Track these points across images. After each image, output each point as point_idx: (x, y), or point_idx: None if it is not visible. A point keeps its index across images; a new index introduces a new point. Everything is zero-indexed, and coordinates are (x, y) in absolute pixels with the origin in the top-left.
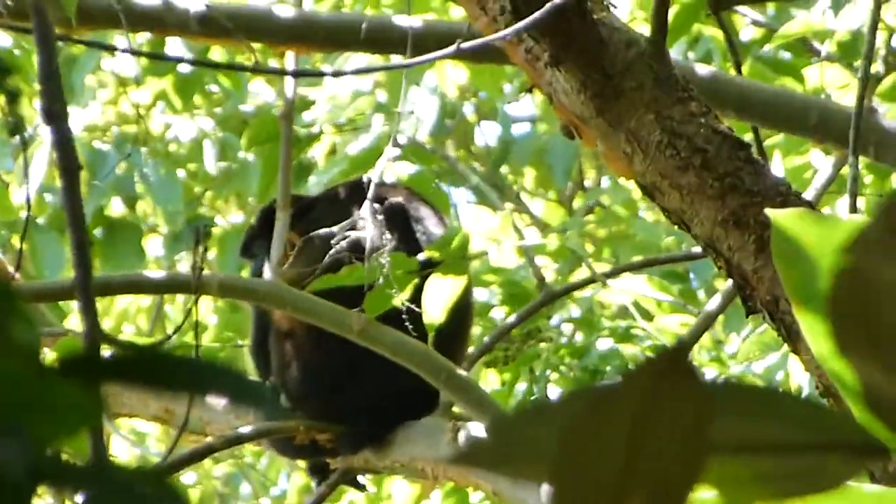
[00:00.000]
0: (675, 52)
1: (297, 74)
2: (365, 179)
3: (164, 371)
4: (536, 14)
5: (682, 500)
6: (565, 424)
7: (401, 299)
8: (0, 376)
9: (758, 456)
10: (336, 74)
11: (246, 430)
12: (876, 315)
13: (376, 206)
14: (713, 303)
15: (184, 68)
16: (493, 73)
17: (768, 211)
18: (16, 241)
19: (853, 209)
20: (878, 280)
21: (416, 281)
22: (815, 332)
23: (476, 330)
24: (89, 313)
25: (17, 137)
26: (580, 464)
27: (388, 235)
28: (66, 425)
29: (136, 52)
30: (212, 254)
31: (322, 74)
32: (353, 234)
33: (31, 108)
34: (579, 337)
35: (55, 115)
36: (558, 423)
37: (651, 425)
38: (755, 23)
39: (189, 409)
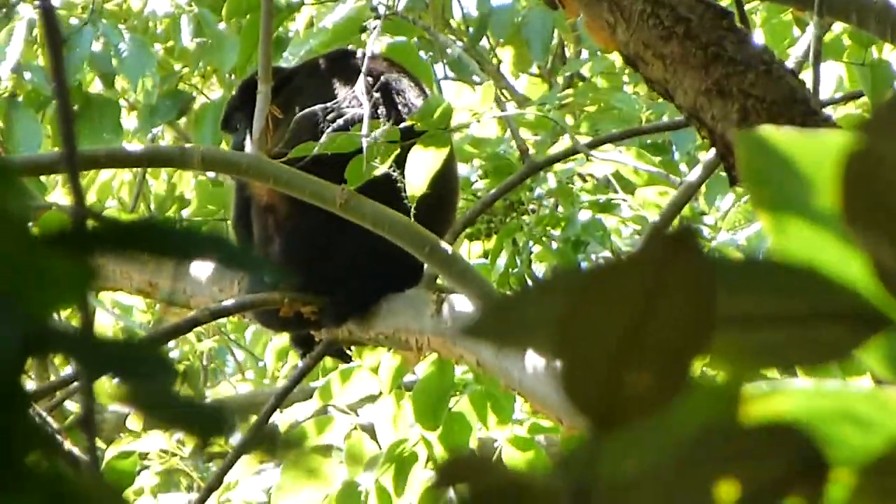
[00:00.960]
0: None
1: None
2: (359, 52)
3: (154, 238)
4: None
5: (686, 374)
6: (571, 296)
7: (380, 171)
8: None
9: (763, 328)
10: None
11: (230, 302)
12: (889, 193)
13: (368, 79)
14: (694, 173)
15: None
16: None
17: (724, 127)
18: None
19: (817, 70)
20: (890, 158)
21: (397, 152)
22: (798, 244)
23: (458, 203)
24: (75, 186)
25: None
26: (585, 336)
27: (366, 107)
28: (57, 297)
29: None
30: (189, 129)
31: None
32: (350, 112)
33: None
34: (561, 209)
35: None
36: (564, 296)
37: (657, 300)
38: None
39: (174, 280)
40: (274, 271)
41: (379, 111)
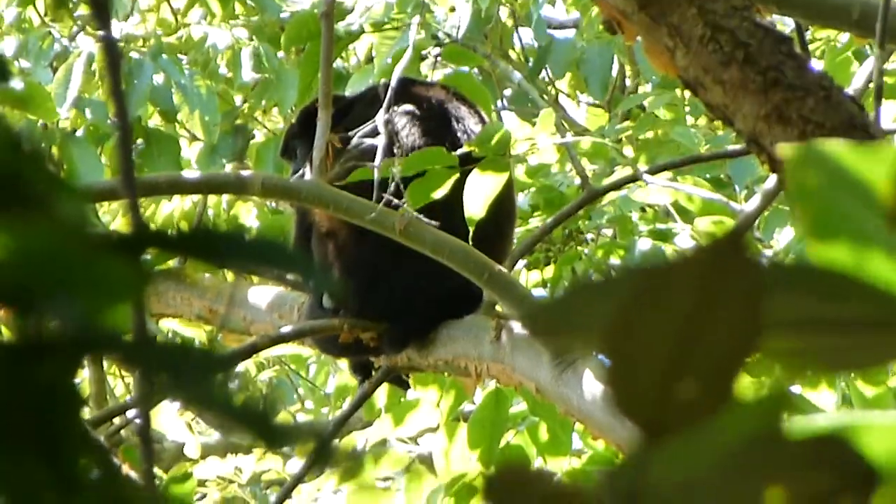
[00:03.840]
0: None
1: None
2: (413, 78)
3: (211, 243)
4: None
5: (735, 375)
6: (624, 296)
7: (438, 195)
8: (47, 249)
9: (811, 332)
10: None
11: (289, 329)
12: None
13: (414, 105)
14: (753, 202)
15: None
16: None
17: (779, 146)
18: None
19: (879, 101)
20: None
21: (456, 177)
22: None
23: (516, 232)
24: (133, 208)
25: (55, 48)
26: (635, 340)
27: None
28: (113, 298)
29: None
30: (249, 163)
31: None
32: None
33: (69, 19)
34: (619, 238)
35: (98, 4)
36: (618, 295)
37: (706, 304)
38: None
39: (234, 306)
40: (331, 281)
41: (433, 135)
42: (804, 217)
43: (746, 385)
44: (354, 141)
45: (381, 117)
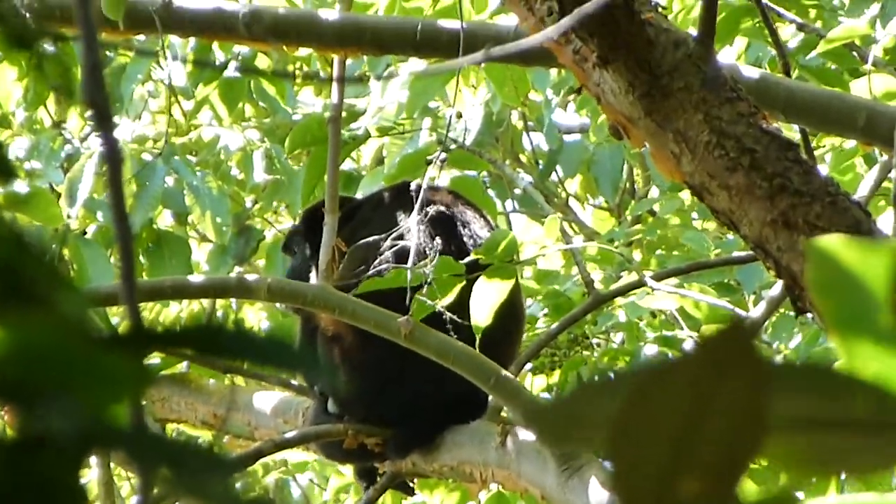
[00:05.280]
0: (723, 58)
1: (341, 80)
2: (413, 186)
3: (211, 339)
4: (583, 12)
5: (740, 476)
6: (626, 397)
7: (445, 303)
8: (47, 346)
9: (817, 433)
10: (379, 78)
11: (294, 434)
12: None
13: (421, 210)
14: (759, 309)
15: (229, 72)
16: (516, 83)
17: (803, 241)
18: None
19: None
20: None
21: (463, 284)
22: (863, 359)
23: (524, 337)
24: (132, 307)
25: (67, 148)
26: (638, 438)
27: (436, 241)
28: (114, 394)
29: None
30: (260, 262)
31: (364, 80)
32: (399, 242)
33: (81, 119)
34: (626, 343)
35: (98, 105)
36: (619, 396)
37: (710, 401)
38: (801, 28)
39: (239, 412)
40: (337, 382)
41: (436, 242)
42: (824, 309)
43: (751, 491)
44: (388, 244)
45: (413, 222)
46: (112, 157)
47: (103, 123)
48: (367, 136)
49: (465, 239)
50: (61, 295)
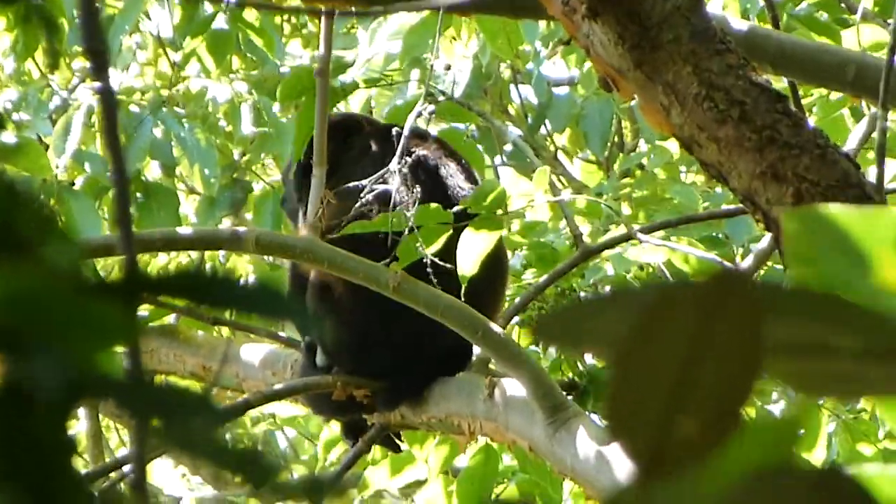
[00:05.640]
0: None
1: (331, 15)
2: (394, 132)
3: (201, 286)
4: None
5: (738, 410)
6: (632, 313)
7: (431, 251)
8: (38, 294)
9: (816, 358)
10: (369, 19)
11: (282, 386)
12: None
13: (406, 159)
14: (746, 262)
15: (217, 24)
16: (509, 35)
17: (777, 210)
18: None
19: (881, 160)
20: None
21: (450, 233)
22: None
23: (507, 291)
24: (131, 259)
25: (55, 100)
26: (641, 358)
27: (416, 189)
28: (104, 341)
29: None
30: (248, 215)
31: (358, 15)
32: (381, 187)
33: (68, 71)
34: None
35: (96, 53)
36: (630, 310)
37: (709, 327)
38: None
39: (227, 363)
40: (326, 332)
41: (417, 190)
42: (801, 279)
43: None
44: (368, 188)
45: (394, 166)
46: (109, 104)
47: (100, 71)
48: (356, 86)
49: (449, 191)
50: (52, 245)
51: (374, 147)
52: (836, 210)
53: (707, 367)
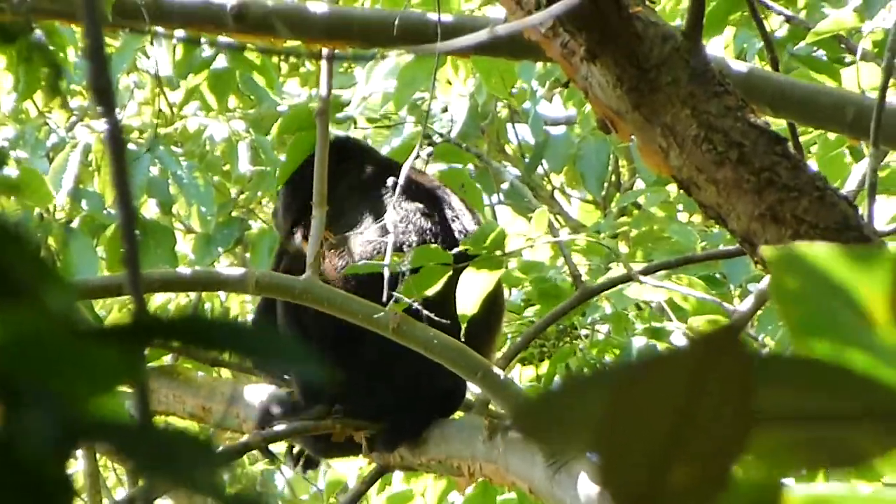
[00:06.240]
0: (710, 50)
1: (331, 58)
2: (390, 181)
3: (201, 330)
4: (570, 3)
5: (728, 471)
6: (613, 393)
7: (431, 292)
8: (35, 338)
9: (804, 426)
10: (366, 58)
11: (282, 427)
12: None
13: (412, 200)
14: (746, 304)
15: (218, 63)
16: (503, 75)
17: (763, 248)
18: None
19: (872, 199)
20: None
21: (449, 274)
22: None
23: (508, 328)
24: (138, 299)
25: (52, 138)
26: (627, 432)
27: (416, 226)
28: (102, 386)
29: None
30: (246, 255)
31: (356, 58)
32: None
33: (66, 110)
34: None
35: (101, 90)
36: (607, 391)
37: (699, 397)
38: (788, 20)
39: (227, 404)
40: (321, 367)
41: (417, 226)
42: (787, 318)
43: (740, 476)
44: (363, 235)
45: (389, 215)
46: (115, 141)
47: (106, 109)
48: (353, 122)
49: (453, 231)
50: (49, 286)
51: (367, 176)
52: (818, 248)
53: (697, 426)
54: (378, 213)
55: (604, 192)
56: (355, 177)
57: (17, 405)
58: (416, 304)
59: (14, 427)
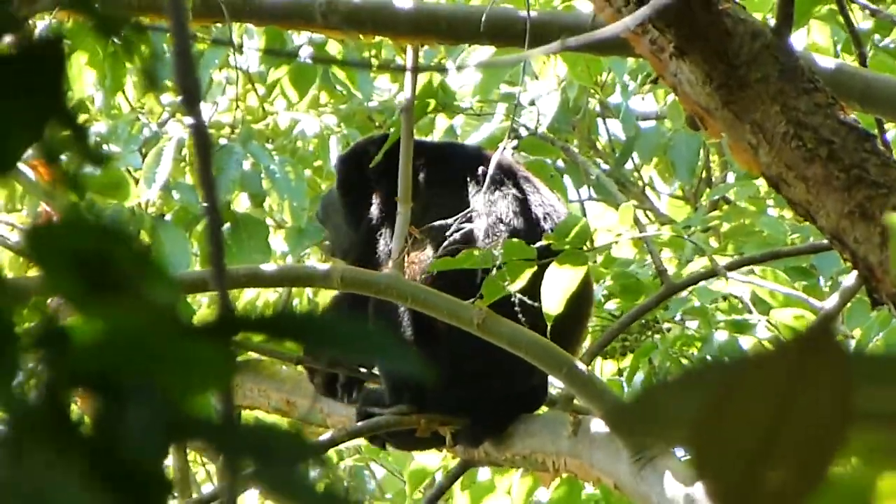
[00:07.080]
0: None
1: (415, 70)
2: (480, 170)
3: (296, 326)
4: (660, 1)
5: (825, 471)
6: (711, 392)
7: (516, 288)
8: (137, 335)
9: None
10: (456, 69)
11: (366, 422)
12: None
13: (503, 192)
14: (832, 300)
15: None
16: (589, 65)
17: (888, 215)
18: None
19: None
20: None
21: (534, 269)
22: None
23: (590, 322)
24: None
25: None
26: (725, 428)
27: (502, 225)
28: (201, 383)
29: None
30: None
31: (439, 69)
32: (467, 226)
33: (158, 105)
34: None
35: (188, 89)
36: (704, 390)
37: (796, 396)
38: (874, 13)
39: (312, 399)
40: (417, 363)
41: (508, 220)
42: None
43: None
44: (455, 226)
45: (479, 203)
46: (202, 140)
47: (193, 107)
48: (439, 109)
49: (538, 221)
50: (150, 282)
51: (457, 176)
52: None
53: (794, 424)
54: (462, 206)
55: (694, 189)
56: (436, 172)
57: (120, 400)
58: (514, 297)
59: (116, 423)
